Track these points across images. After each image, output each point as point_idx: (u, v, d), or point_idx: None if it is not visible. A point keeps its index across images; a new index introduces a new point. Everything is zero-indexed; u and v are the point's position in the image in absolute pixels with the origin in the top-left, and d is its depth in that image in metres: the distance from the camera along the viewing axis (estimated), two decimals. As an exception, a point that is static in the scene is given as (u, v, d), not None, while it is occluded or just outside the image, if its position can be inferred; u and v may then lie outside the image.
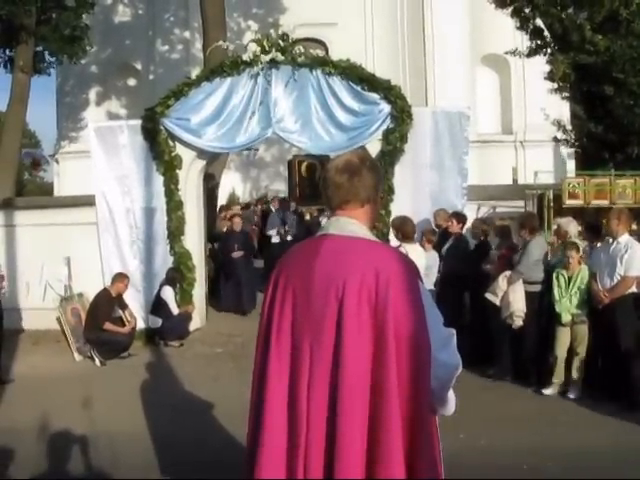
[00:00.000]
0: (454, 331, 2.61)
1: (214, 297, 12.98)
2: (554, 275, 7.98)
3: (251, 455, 2.57)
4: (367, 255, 2.50)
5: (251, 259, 13.70)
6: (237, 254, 12.75)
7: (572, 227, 8.96)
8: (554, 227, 9.93)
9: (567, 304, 7.82)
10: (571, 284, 7.81)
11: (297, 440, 2.42)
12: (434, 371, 2.40)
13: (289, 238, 15.03)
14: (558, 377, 7.92)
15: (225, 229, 13.91)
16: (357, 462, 2.34)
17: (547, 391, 7.88)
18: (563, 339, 7.89)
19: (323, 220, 12.82)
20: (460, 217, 9.77)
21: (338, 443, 2.34)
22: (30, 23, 16.74)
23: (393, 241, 9.25)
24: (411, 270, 2.54)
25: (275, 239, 15.45)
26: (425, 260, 8.17)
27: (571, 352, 7.87)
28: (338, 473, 2.34)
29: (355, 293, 2.40)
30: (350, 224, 2.62)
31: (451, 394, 2.59)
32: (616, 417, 7.00)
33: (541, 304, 8.29)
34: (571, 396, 7.74)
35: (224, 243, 13.28)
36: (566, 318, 7.81)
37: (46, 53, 19.49)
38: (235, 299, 12.70)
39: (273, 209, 17.53)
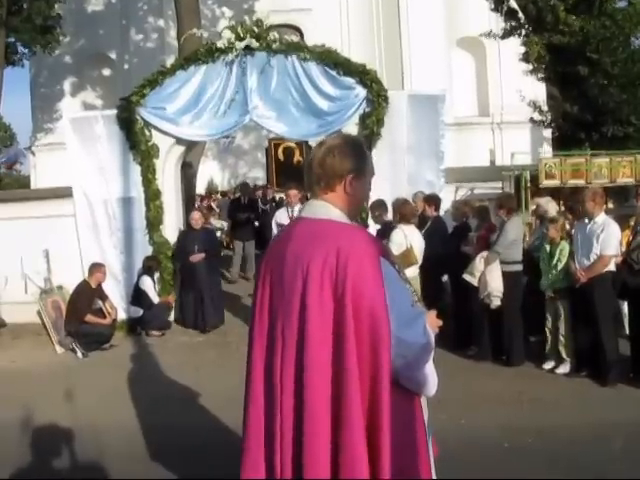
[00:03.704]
0: (424, 311, 2.66)
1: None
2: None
3: (242, 432, 2.72)
4: (332, 236, 2.56)
5: (214, 263, 11.53)
6: (196, 257, 10.85)
7: (551, 207, 9.04)
8: (532, 207, 10.01)
9: (549, 278, 7.95)
10: (552, 259, 7.92)
11: (274, 416, 2.55)
12: (399, 350, 2.44)
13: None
14: (552, 352, 8.04)
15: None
16: (323, 431, 2.44)
17: (546, 365, 8.02)
18: (549, 313, 8.07)
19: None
20: (432, 200, 9.70)
21: (305, 414, 2.46)
22: (1, 14, 16.52)
23: (372, 225, 9.27)
24: (374, 248, 2.58)
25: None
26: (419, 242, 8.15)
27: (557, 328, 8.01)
28: (307, 447, 2.44)
29: (318, 271, 2.48)
30: (320, 207, 2.68)
31: (429, 375, 2.60)
32: (596, 394, 7.12)
33: (523, 283, 8.40)
34: (560, 371, 7.85)
35: (181, 243, 11.18)
36: (548, 292, 7.99)
37: (18, 44, 19.30)
38: (197, 313, 10.87)
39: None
